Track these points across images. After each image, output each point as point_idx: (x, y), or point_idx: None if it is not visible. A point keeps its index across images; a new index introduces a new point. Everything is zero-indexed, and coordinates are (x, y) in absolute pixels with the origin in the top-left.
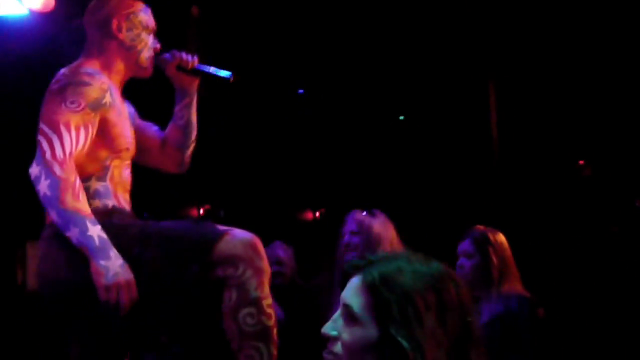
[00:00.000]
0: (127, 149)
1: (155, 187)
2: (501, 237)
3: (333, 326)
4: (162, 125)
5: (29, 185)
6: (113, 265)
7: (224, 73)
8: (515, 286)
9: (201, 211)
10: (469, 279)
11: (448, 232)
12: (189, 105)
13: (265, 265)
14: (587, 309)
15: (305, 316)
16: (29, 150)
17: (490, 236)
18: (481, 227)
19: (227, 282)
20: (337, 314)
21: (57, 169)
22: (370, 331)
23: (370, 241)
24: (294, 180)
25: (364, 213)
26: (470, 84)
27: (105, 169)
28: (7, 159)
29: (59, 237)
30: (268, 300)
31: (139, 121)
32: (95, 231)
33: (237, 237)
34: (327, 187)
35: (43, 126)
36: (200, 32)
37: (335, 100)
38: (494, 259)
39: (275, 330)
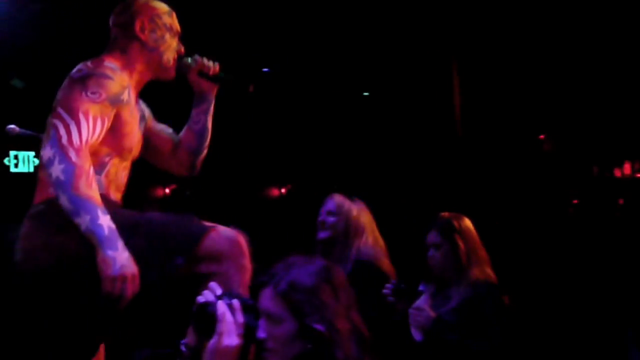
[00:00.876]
0: (130, 150)
1: None
2: (466, 222)
3: (262, 330)
4: (177, 128)
5: None
6: (120, 256)
7: (245, 82)
8: (484, 269)
9: (167, 191)
10: (441, 269)
11: (412, 207)
12: (206, 111)
13: (249, 263)
14: (549, 281)
15: None
16: None
17: (455, 223)
18: (446, 215)
19: (210, 278)
20: (262, 320)
21: (72, 155)
22: (291, 326)
23: (349, 225)
24: (260, 158)
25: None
26: (434, 60)
27: (103, 165)
28: None
29: (43, 217)
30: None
31: (153, 123)
32: (106, 221)
33: (223, 233)
34: (292, 164)
35: (61, 111)
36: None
37: (300, 76)
38: (461, 245)
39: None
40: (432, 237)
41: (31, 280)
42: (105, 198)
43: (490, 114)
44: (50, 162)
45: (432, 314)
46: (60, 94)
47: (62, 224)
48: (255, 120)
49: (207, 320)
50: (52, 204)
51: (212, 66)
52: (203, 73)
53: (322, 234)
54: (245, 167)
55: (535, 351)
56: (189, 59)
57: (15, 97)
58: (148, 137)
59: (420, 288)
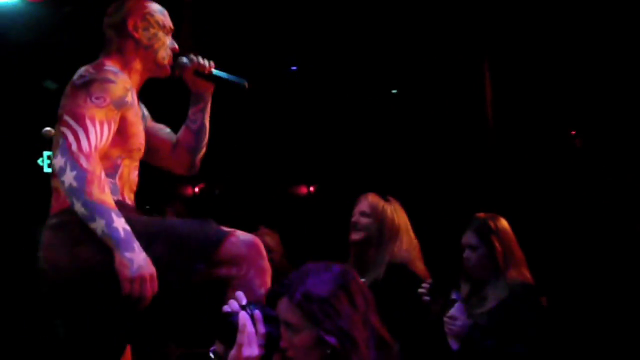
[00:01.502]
0: (139, 149)
1: (150, 167)
2: (503, 223)
3: (282, 339)
4: (175, 128)
5: None
6: (137, 257)
7: (240, 80)
8: (521, 271)
9: (196, 189)
10: (477, 270)
11: (443, 205)
12: (203, 110)
13: (267, 264)
14: (584, 279)
15: None
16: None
17: (492, 224)
18: (482, 215)
19: (231, 282)
20: (282, 329)
21: (83, 161)
22: (307, 336)
23: (383, 227)
24: (288, 156)
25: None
26: (464, 55)
27: (116, 167)
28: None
29: (64, 227)
30: None
31: (151, 123)
32: (120, 223)
33: (241, 238)
34: (320, 162)
35: (67, 118)
36: (194, 15)
37: (328, 75)
38: (498, 247)
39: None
40: (468, 238)
41: (57, 288)
42: (121, 204)
43: (522, 110)
44: (62, 170)
45: (466, 322)
46: (64, 102)
47: (82, 232)
48: (283, 118)
49: (230, 330)
50: (70, 213)
51: (208, 65)
52: (199, 72)
53: (355, 235)
54: (273, 165)
55: (574, 353)
56: (185, 59)
57: (48, 98)
58: (147, 138)
59: (454, 296)
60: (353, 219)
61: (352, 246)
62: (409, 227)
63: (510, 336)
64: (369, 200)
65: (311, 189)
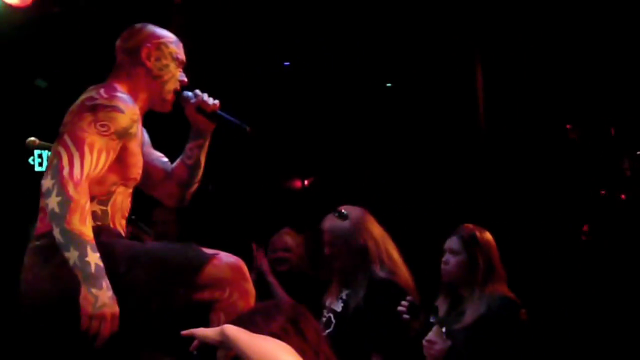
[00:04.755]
0: (135, 179)
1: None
2: (489, 237)
3: None
4: (170, 157)
5: None
6: (103, 295)
7: (242, 123)
8: (499, 287)
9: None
10: (452, 277)
11: (433, 202)
12: (201, 147)
13: (251, 287)
14: (573, 286)
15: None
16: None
17: (479, 236)
18: (470, 226)
19: (214, 305)
20: None
21: (71, 188)
22: None
23: (350, 246)
24: (282, 149)
25: (335, 215)
26: (456, 50)
27: (110, 194)
28: None
29: (45, 250)
30: None
31: (149, 149)
32: (94, 258)
33: (224, 261)
34: (315, 156)
35: (67, 139)
36: (185, 15)
37: (322, 67)
38: (480, 261)
39: None
40: (452, 243)
41: (35, 311)
42: (107, 229)
43: (515, 104)
44: (49, 192)
45: (444, 345)
46: (68, 119)
47: (64, 257)
48: (277, 112)
49: None
50: (53, 236)
51: (212, 104)
52: (201, 109)
53: (335, 265)
54: (267, 158)
55: None
56: (190, 93)
57: (39, 97)
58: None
59: (431, 319)
60: (326, 253)
61: (333, 275)
62: (376, 230)
63: (489, 351)
64: (327, 226)
65: (306, 182)
